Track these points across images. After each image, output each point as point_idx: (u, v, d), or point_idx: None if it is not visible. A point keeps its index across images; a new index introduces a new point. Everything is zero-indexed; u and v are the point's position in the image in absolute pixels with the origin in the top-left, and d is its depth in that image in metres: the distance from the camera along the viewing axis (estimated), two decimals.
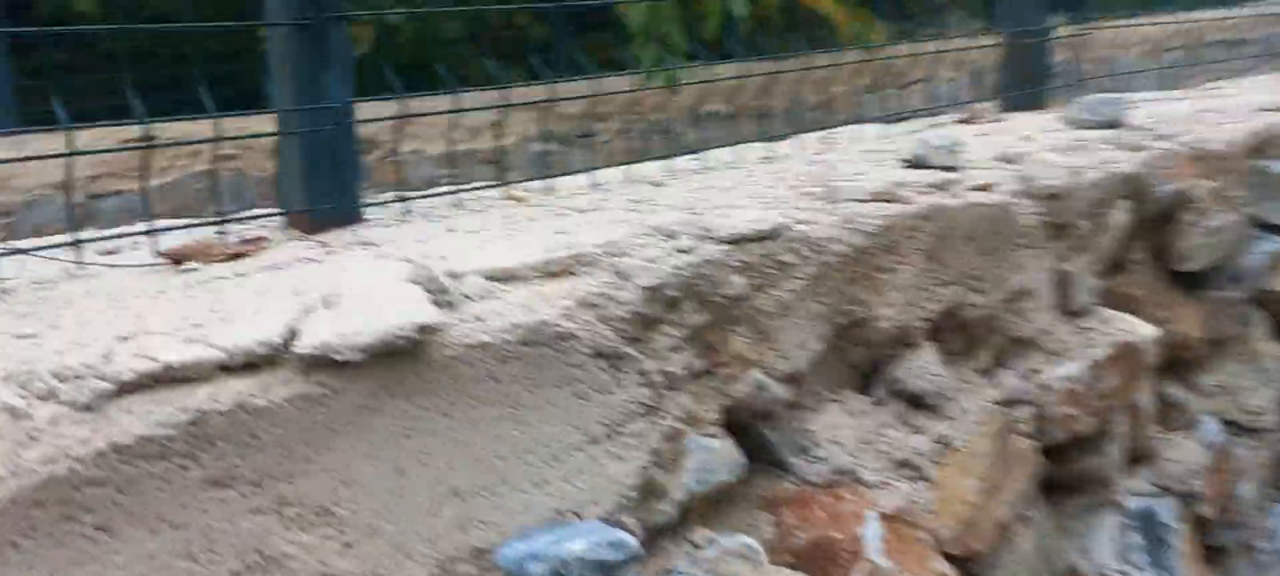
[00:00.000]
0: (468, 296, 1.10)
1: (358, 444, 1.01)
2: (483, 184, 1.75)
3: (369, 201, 1.56)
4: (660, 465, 1.24)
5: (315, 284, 1.13)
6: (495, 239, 1.34)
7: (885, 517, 1.36)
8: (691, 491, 1.27)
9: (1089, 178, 1.71)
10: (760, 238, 1.32)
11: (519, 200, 1.67)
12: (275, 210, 1.49)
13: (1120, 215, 1.80)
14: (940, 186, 1.56)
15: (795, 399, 1.40)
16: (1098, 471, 1.78)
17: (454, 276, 1.16)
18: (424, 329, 1.03)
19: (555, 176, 1.79)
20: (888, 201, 1.49)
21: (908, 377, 1.51)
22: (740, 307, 1.31)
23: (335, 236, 1.41)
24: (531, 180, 1.81)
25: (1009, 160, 1.75)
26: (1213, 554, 2.09)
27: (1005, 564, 1.62)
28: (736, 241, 1.30)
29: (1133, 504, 1.85)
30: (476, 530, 1.08)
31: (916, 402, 1.54)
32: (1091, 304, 1.76)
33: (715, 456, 1.30)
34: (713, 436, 1.31)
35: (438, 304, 1.08)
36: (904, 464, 1.47)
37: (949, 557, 1.47)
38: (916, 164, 1.69)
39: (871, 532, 1.31)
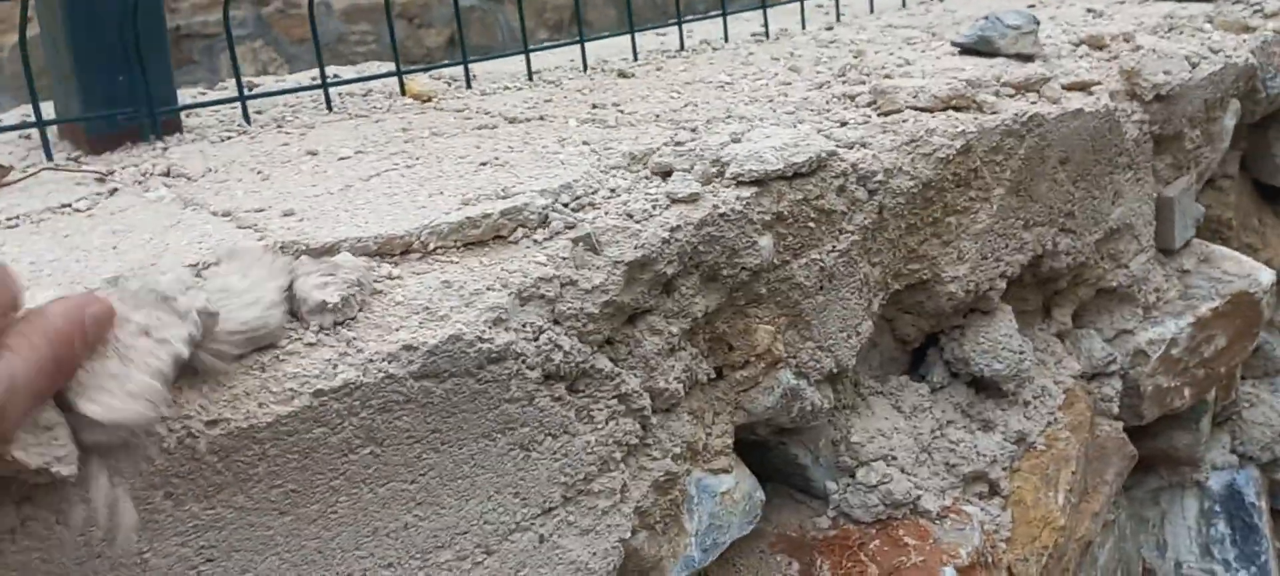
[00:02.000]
0: (323, 304, 0.63)
1: None
2: (370, 75, 1.24)
3: (191, 101, 1.06)
4: (650, 529, 0.81)
5: (63, 265, 0.65)
6: (382, 172, 0.86)
7: (962, 571, 0.95)
8: (695, 563, 0.84)
9: (1204, 71, 1.27)
10: (797, 174, 0.86)
11: (424, 99, 1.18)
12: (32, 120, 0.98)
13: (1230, 120, 1.37)
14: (1026, 86, 1.11)
15: (837, 401, 0.97)
16: (1185, 451, 1.39)
17: (311, 253, 0.69)
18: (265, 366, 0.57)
19: (476, 60, 1.29)
20: (961, 109, 1.03)
21: (976, 355, 1.08)
22: (767, 281, 0.86)
23: (128, 159, 0.91)
24: (438, 66, 1.32)
25: (1095, 46, 1.30)
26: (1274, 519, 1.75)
27: None
28: (762, 182, 0.84)
29: (1214, 481, 1.47)
30: None
31: (984, 387, 1.11)
32: (1189, 239, 1.35)
33: (727, 503, 0.87)
34: (723, 471, 0.87)
35: (277, 318, 0.61)
36: (975, 478, 1.06)
37: None
38: (978, 49, 1.24)
39: None
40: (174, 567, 0.57)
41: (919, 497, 0.99)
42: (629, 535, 0.78)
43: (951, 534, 0.98)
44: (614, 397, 0.76)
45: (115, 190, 0.83)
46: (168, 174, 0.88)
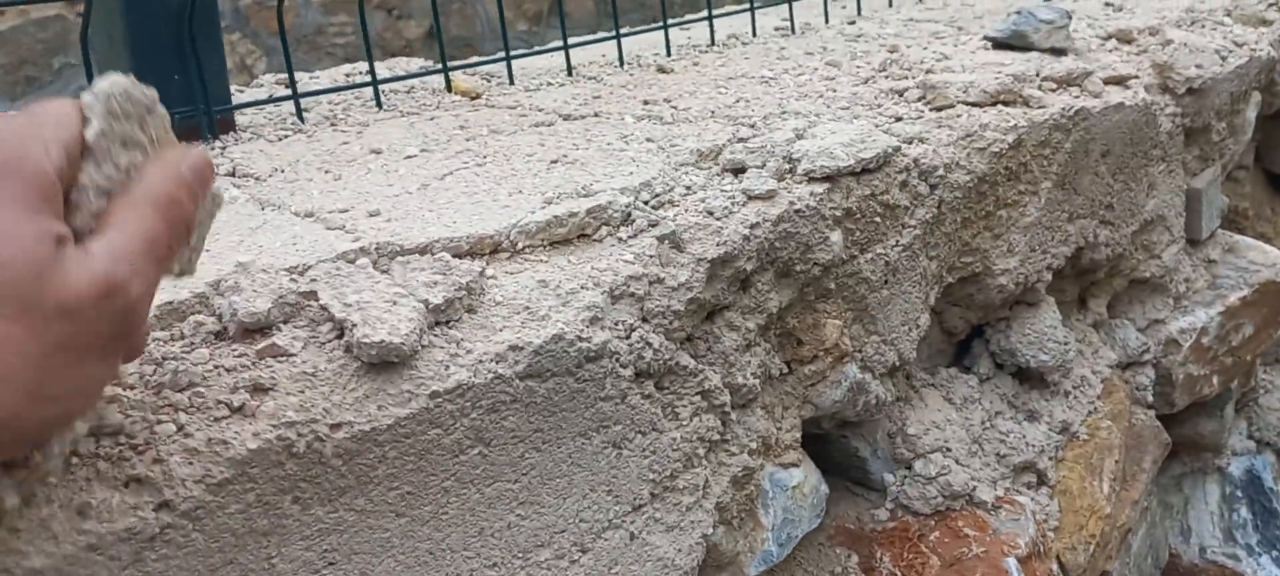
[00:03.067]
0: (439, 305, 0.63)
1: None
2: (417, 72, 1.24)
3: (243, 100, 1.05)
4: (728, 524, 0.81)
5: None
6: (454, 171, 0.86)
7: (1023, 561, 0.96)
8: (772, 558, 0.85)
9: (1232, 65, 1.29)
10: (865, 170, 0.87)
11: (472, 96, 1.18)
12: None
13: (1252, 112, 1.39)
14: (1067, 80, 1.12)
15: (896, 395, 0.98)
16: (1211, 438, 1.41)
17: (401, 254, 0.69)
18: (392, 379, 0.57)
19: (519, 55, 1.29)
20: (1009, 104, 1.04)
21: (1023, 346, 1.10)
22: (835, 276, 0.87)
23: None
24: (482, 62, 1.31)
25: (1124, 40, 1.32)
26: None
27: (1115, 570, 1.26)
28: (833, 178, 0.85)
29: (1235, 467, 1.50)
30: None
31: (1027, 377, 1.13)
32: (1215, 229, 1.37)
33: (798, 497, 0.87)
34: (793, 465, 0.88)
35: (419, 327, 0.61)
36: (1024, 468, 1.07)
37: None
38: (1011, 44, 1.25)
39: None
40: (298, 571, 0.57)
41: (975, 488, 1.00)
42: (711, 530, 0.78)
43: (1008, 524, 0.99)
44: (697, 393, 0.76)
45: None
46: (233, 173, 0.87)
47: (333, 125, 1.03)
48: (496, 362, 0.63)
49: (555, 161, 0.87)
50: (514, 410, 0.64)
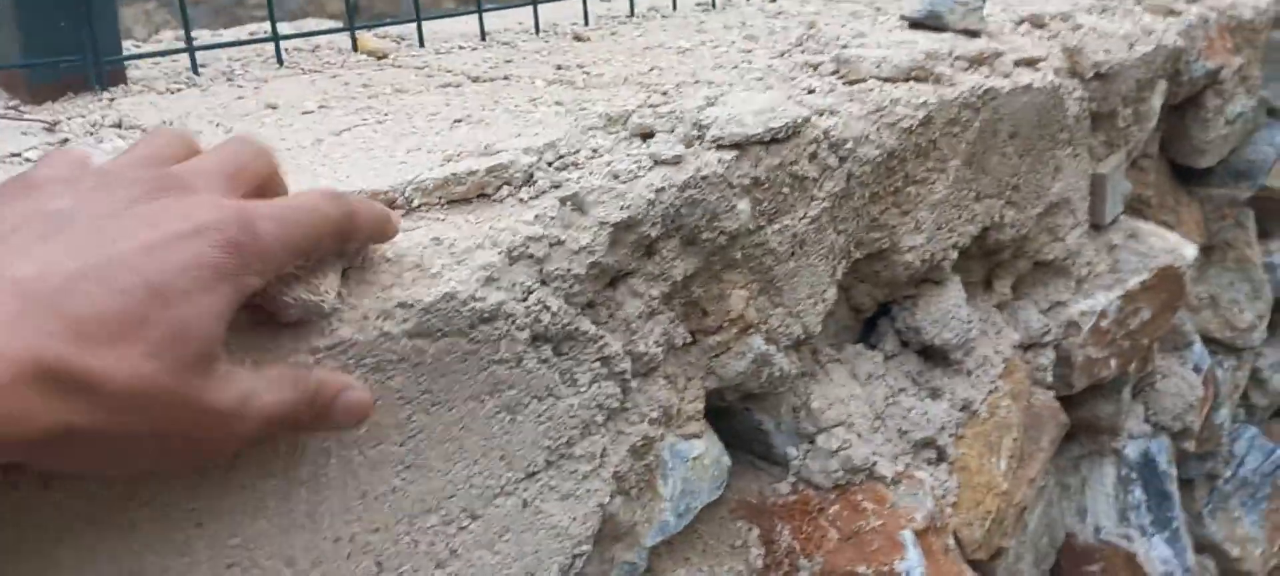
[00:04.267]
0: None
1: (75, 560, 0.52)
2: (322, 30, 1.20)
3: (136, 52, 1.00)
4: (626, 494, 0.80)
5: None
6: (352, 127, 0.83)
7: (919, 535, 0.97)
8: (669, 528, 0.84)
9: (1139, 52, 1.31)
10: (774, 139, 0.86)
11: (378, 56, 1.14)
12: None
13: (1157, 100, 1.42)
14: (978, 60, 1.13)
15: (800, 368, 0.97)
16: (1108, 420, 1.45)
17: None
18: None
19: (427, 17, 1.25)
20: (921, 81, 1.04)
21: (928, 325, 1.11)
22: (742, 246, 0.86)
23: (74, 109, 0.86)
24: (392, 22, 1.27)
25: (1037, 24, 1.33)
26: (1181, 488, 1.84)
27: (1012, 549, 1.28)
28: (742, 145, 0.84)
29: (1130, 449, 1.54)
30: None
31: (932, 355, 1.14)
32: (1119, 215, 1.40)
33: (698, 468, 0.87)
34: (695, 437, 0.87)
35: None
36: (925, 444, 1.08)
37: (973, 564, 1.11)
38: (927, 23, 1.25)
39: (912, 565, 0.92)
40: (166, 532, 0.54)
41: (875, 464, 1.01)
42: (607, 499, 0.77)
43: (906, 499, 1.00)
44: (597, 360, 0.75)
45: (66, 140, 0.78)
46: (119, 125, 0.83)
47: (229, 81, 0.98)
48: (383, 320, 0.61)
49: (459, 121, 0.85)
50: (401, 370, 0.62)
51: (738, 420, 0.99)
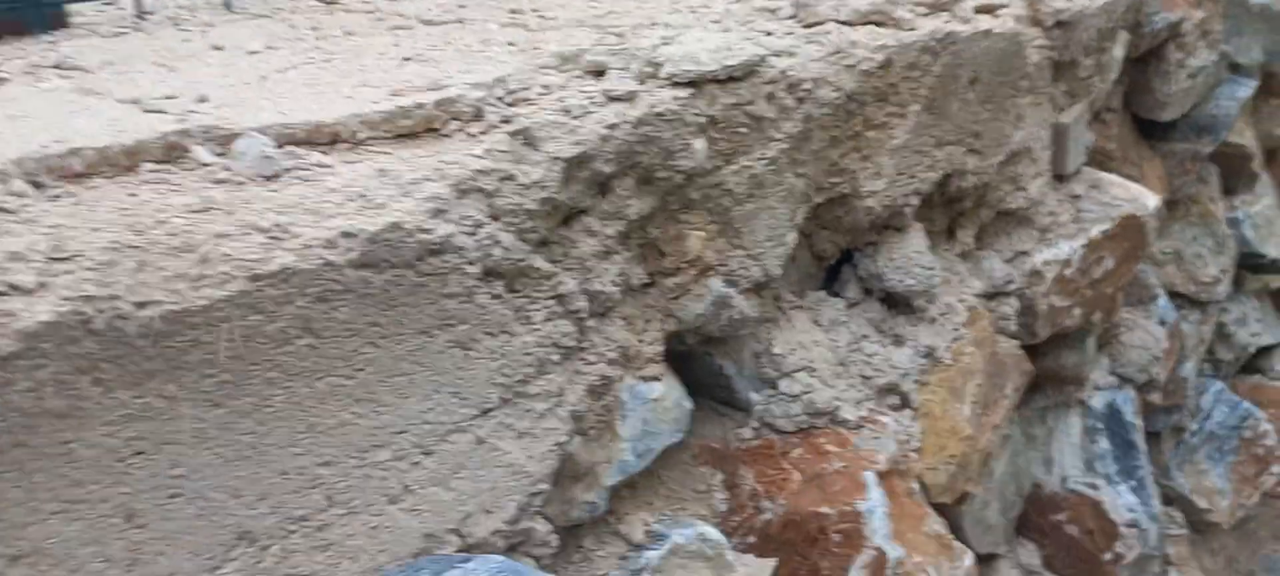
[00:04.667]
0: (246, 178, 0.59)
1: (34, 474, 0.51)
2: None
3: None
4: (585, 434, 0.80)
5: None
6: (298, 65, 0.82)
7: (882, 477, 0.97)
8: (629, 468, 0.83)
9: (1099, 1, 1.31)
10: (730, 78, 0.85)
11: (330, 0, 1.12)
12: None
13: (1119, 51, 1.42)
14: (938, 5, 1.12)
15: (761, 312, 0.97)
16: (1071, 369, 1.45)
17: (220, 138, 0.65)
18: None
19: None
20: (881, 25, 1.04)
21: (890, 271, 1.10)
22: (699, 186, 0.85)
23: (14, 52, 0.84)
24: None
25: None
26: (1146, 440, 1.85)
27: (980, 498, 1.28)
28: (697, 83, 0.83)
29: (1096, 400, 1.55)
30: None
31: (895, 303, 1.14)
32: (1081, 165, 1.40)
33: (659, 410, 0.86)
34: (655, 379, 0.87)
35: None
36: (888, 389, 1.08)
37: (938, 509, 1.11)
38: None
39: (874, 504, 0.92)
40: (102, 459, 0.53)
41: (838, 408, 1.00)
42: (565, 439, 0.76)
43: (869, 442, 1.00)
44: (551, 298, 0.74)
45: (4, 81, 0.76)
46: (60, 67, 0.81)
47: (176, 25, 0.97)
48: (326, 249, 0.60)
49: (409, 60, 0.84)
50: (346, 301, 0.61)
51: (699, 365, 0.98)
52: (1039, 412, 1.50)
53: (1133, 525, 1.47)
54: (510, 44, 0.89)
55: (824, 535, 0.89)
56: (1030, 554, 1.48)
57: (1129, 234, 1.36)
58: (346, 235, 0.60)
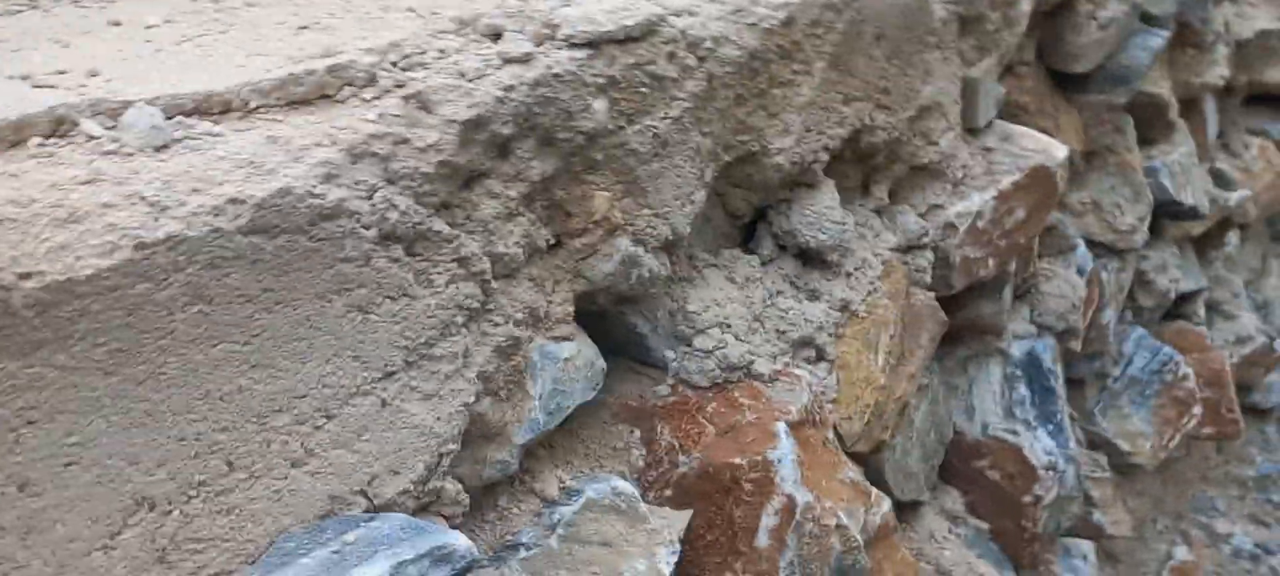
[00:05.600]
0: (135, 149, 0.59)
1: None
2: None
3: None
4: (495, 394, 0.81)
5: None
6: (195, 37, 0.82)
7: (794, 427, 0.99)
8: (539, 426, 0.85)
9: None
10: (629, 38, 0.86)
11: None
12: None
13: (1026, 4, 1.46)
14: None
15: (673, 271, 0.99)
16: (989, 319, 1.49)
17: (110, 110, 0.65)
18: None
19: None
20: None
21: (803, 227, 1.13)
22: (602, 147, 0.86)
23: None
24: None
25: None
26: (1069, 387, 1.91)
27: (900, 446, 1.32)
28: (595, 44, 0.84)
29: (1015, 349, 1.59)
30: (186, 554, 0.62)
31: (810, 258, 1.16)
32: (992, 119, 1.43)
33: (570, 369, 0.88)
34: (566, 338, 0.88)
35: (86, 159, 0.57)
36: (804, 343, 1.10)
37: (854, 457, 1.14)
38: None
39: (784, 453, 0.94)
40: None
41: (753, 362, 1.03)
42: (473, 399, 0.78)
43: (783, 394, 1.02)
44: (453, 261, 0.75)
45: None
46: None
47: (75, 2, 0.96)
48: (215, 215, 0.60)
49: (306, 28, 0.84)
50: (238, 267, 0.62)
51: (614, 324, 1.00)
52: (960, 362, 1.54)
53: (1051, 468, 1.52)
54: (411, 9, 0.90)
55: (737, 484, 0.92)
56: (954, 500, 1.52)
57: (1039, 184, 1.40)
58: (234, 202, 0.61)
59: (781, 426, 0.96)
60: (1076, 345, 1.79)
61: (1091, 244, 1.90)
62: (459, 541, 0.65)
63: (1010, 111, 1.60)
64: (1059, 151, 1.42)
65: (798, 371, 1.07)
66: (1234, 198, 2.41)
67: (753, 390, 1.01)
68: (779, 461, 0.93)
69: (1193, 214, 2.08)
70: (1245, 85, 2.68)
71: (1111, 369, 2.02)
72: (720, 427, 0.98)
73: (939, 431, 1.44)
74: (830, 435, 1.09)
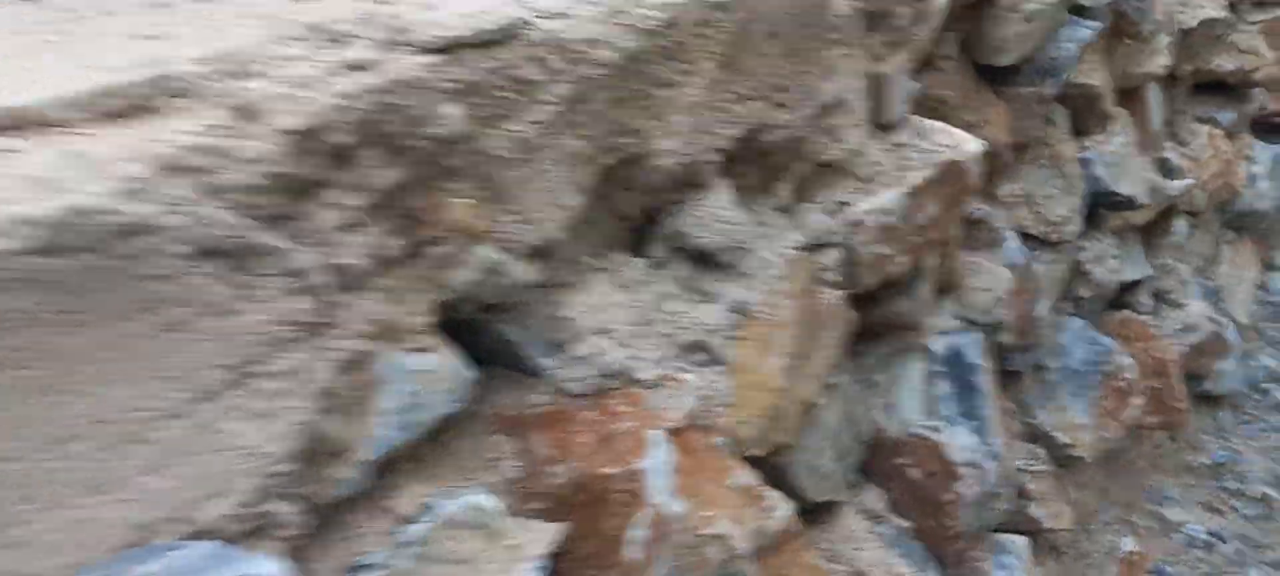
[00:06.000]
0: None
1: None
2: None
3: None
4: (335, 411, 0.79)
5: None
6: (33, 49, 0.79)
7: (675, 433, 0.97)
8: (391, 442, 0.83)
9: None
10: (486, 43, 0.84)
11: None
12: None
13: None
14: None
15: (546, 277, 0.96)
16: (907, 316, 1.48)
17: None
18: None
19: None
20: None
21: (694, 229, 1.11)
22: (460, 154, 0.84)
23: None
24: None
25: None
26: (1007, 380, 1.90)
27: (808, 445, 1.30)
28: (449, 49, 0.82)
29: (938, 344, 1.58)
30: None
31: (705, 260, 1.14)
32: (906, 114, 1.41)
33: (429, 381, 0.86)
34: (424, 350, 0.86)
35: None
36: (694, 347, 1.09)
37: (753, 461, 1.13)
38: None
39: (657, 462, 0.93)
40: None
41: (634, 368, 1.01)
42: (312, 417, 0.75)
43: (665, 400, 1.00)
44: (285, 275, 0.73)
45: None
46: None
47: None
48: (2, 238, 0.58)
49: (150, 38, 0.81)
50: (26, 289, 0.59)
51: (485, 334, 0.98)
52: (881, 360, 1.53)
53: (971, 465, 1.50)
54: (265, 17, 0.87)
55: (609, 496, 0.90)
56: (875, 499, 1.51)
57: (951, 180, 1.38)
58: (23, 221, 0.59)
59: (656, 435, 0.94)
60: (1008, 338, 1.78)
61: (1026, 237, 1.89)
62: (269, 567, 0.63)
63: (932, 106, 1.59)
64: (972, 145, 1.40)
65: (686, 376, 1.05)
66: (1177, 186, 2.40)
67: (632, 397, 0.99)
68: (651, 471, 0.91)
69: (1130, 204, 2.07)
70: (1191, 74, 2.67)
71: (1049, 361, 2.02)
72: (595, 437, 0.96)
73: (855, 430, 1.43)
74: (720, 440, 1.07)
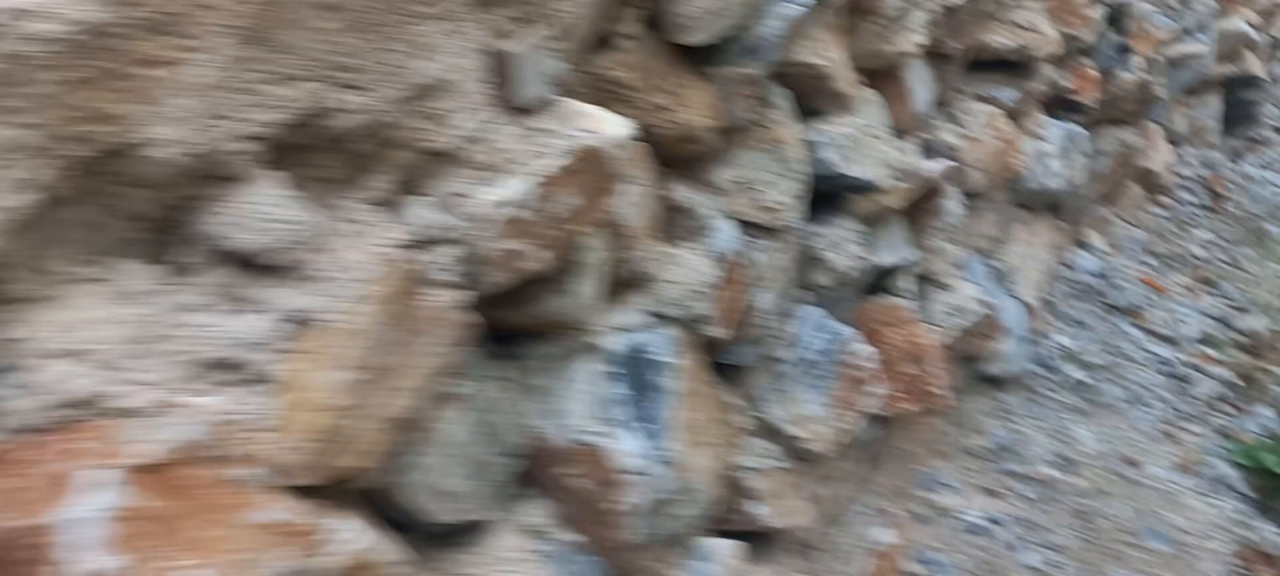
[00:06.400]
0: None
1: None
2: None
3: None
4: None
5: None
6: None
7: (147, 471, 0.84)
8: None
9: None
10: None
11: None
12: None
13: None
14: None
15: None
16: (563, 314, 1.36)
17: None
18: None
19: None
20: None
21: (228, 229, 0.97)
22: None
23: None
24: None
25: None
26: (729, 374, 1.81)
27: (426, 465, 1.19)
28: None
29: (619, 344, 1.47)
30: None
31: (253, 265, 1.01)
32: (549, 97, 1.29)
33: None
34: None
35: None
36: (219, 365, 0.95)
37: (307, 491, 1.00)
38: None
39: (88, 510, 0.79)
40: None
41: (115, 395, 0.87)
42: None
43: (146, 431, 0.86)
44: None
45: None
46: None
47: None
48: None
49: None
50: None
51: None
52: (545, 362, 1.42)
53: (638, 471, 1.41)
54: None
55: (12, 554, 0.76)
56: (539, 512, 1.40)
57: (591, 168, 1.27)
58: None
59: (102, 475, 0.81)
60: (718, 332, 1.69)
61: (746, 224, 1.80)
62: None
63: (608, 89, 1.48)
64: (614, 130, 1.29)
65: (200, 400, 0.92)
66: (935, 167, 2.36)
67: (97, 430, 0.85)
68: (73, 522, 0.78)
69: (866, 187, 2.01)
70: (963, 51, 2.63)
71: (780, 353, 1.94)
72: (52, 476, 0.82)
73: (499, 441, 1.31)
74: (244, 471, 0.94)
